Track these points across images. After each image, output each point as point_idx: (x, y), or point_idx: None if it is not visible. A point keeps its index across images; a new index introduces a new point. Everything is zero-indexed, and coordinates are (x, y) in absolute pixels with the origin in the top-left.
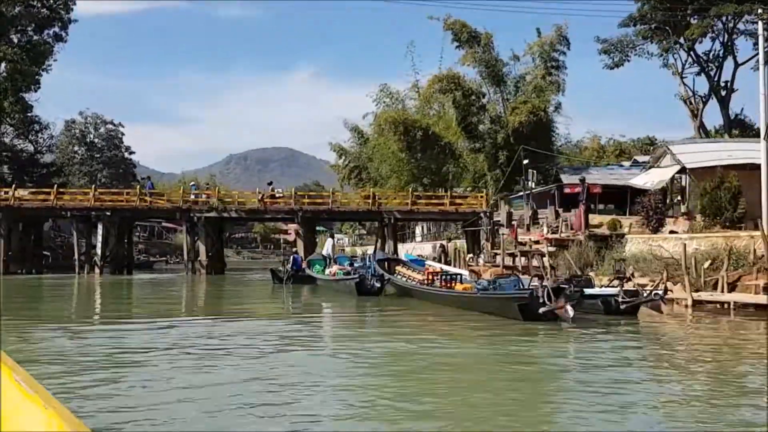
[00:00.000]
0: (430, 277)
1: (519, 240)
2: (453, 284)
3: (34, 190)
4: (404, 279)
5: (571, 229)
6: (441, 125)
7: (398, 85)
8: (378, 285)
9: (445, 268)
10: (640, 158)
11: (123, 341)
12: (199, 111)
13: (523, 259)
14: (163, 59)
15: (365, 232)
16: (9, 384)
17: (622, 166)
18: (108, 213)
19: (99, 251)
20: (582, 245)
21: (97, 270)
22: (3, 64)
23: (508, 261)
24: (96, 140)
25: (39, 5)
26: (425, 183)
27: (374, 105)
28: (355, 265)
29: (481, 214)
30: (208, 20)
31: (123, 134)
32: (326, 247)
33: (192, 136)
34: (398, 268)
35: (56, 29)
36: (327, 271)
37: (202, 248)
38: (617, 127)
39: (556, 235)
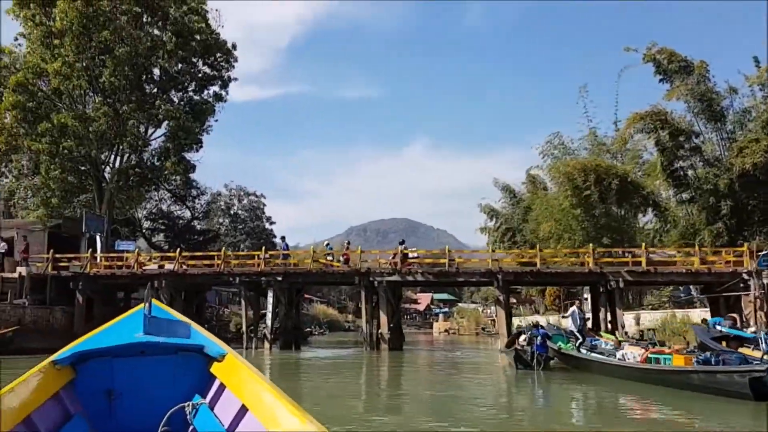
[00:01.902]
0: None
1: None
2: None
3: (199, 254)
4: None
5: None
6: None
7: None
8: None
9: None
10: None
11: None
12: (320, 186)
13: None
14: (289, 138)
15: (514, 302)
16: (274, 398)
17: None
18: (279, 278)
19: (269, 322)
20: None
21: (267, 344)
22: (165, 124)
23: None
24: (240, 212)
25: (200, 63)
26: (605, 243)
27: (541, 158)
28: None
29: (744, 275)
30: (331, 102)
31: (264, 205)
32: (571, 319)
33: (314, 209)
34: (746, 350)
35: (216, 88)
36: (619, 354)
37: (383, 319)
38: None
39: None
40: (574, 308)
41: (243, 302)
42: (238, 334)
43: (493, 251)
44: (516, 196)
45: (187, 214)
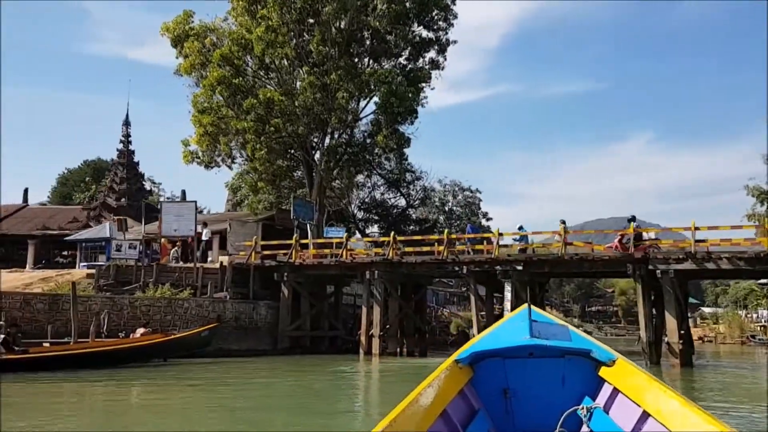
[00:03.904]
0: None
1: None
2: None
3: (417, 237)
4: None
5: None
6: None
7: None
8: None
9: None
10: None
11: None
12: (530, 187)
13: None
14: (496, 141)
15: None
16: (681, 406)
17: None
18: (519, 267)
19: None
20: None
21: None
22: (378, 93)
23: None
24: (455, 208)
25: (415, 24)
26: None
27: None
28: None
29: None
30: (539, 100)
31: (480, 200)
32: None
33: (525, 211)
34: None
35: (432, 54)
36: None
37: (670, 323)
38: None
39: None
40: None
41: (472, 298)
42: (461, 337)
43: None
44: None
45: (402, 202)
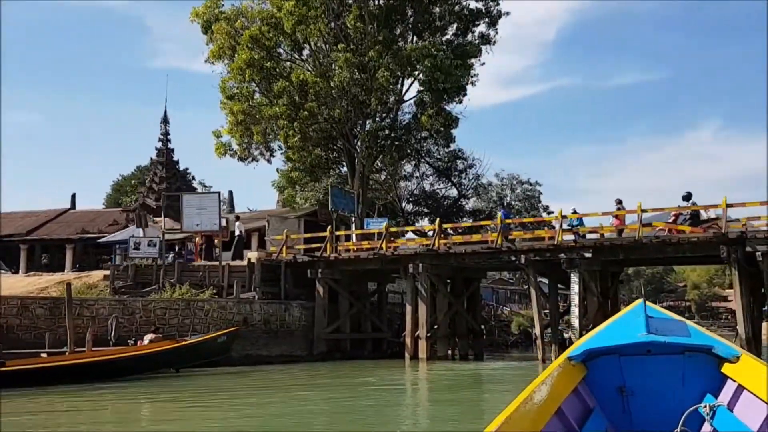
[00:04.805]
0: None
1: None
2: None
3: (465, 224)
4: None
5: None
6: None
7: None
8: None
9: None
10: None
11: None
12: (594, 182)
13: None
14: (554, 136)
15: None
16: None
17: None
18: (587, 254)
19: (575, 321)
20: None
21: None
22: (422, 69)
23: None
24: (513, 202)
25: None
26: None
27: None
28: None
29: None
30: (601, 92)
31: (541, 193)
32: None
33: (589, 205)
34: None
35: (482, 27)
36: None
37: None
38: None
39: None
40: None
41: (533, 292)
42: (523, 337)
43: None
44: None
45: (454, 192)
